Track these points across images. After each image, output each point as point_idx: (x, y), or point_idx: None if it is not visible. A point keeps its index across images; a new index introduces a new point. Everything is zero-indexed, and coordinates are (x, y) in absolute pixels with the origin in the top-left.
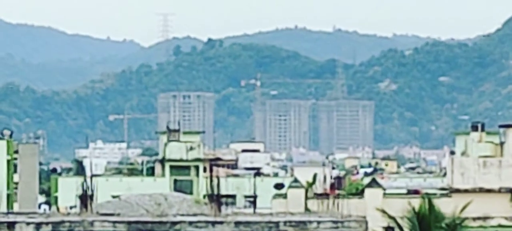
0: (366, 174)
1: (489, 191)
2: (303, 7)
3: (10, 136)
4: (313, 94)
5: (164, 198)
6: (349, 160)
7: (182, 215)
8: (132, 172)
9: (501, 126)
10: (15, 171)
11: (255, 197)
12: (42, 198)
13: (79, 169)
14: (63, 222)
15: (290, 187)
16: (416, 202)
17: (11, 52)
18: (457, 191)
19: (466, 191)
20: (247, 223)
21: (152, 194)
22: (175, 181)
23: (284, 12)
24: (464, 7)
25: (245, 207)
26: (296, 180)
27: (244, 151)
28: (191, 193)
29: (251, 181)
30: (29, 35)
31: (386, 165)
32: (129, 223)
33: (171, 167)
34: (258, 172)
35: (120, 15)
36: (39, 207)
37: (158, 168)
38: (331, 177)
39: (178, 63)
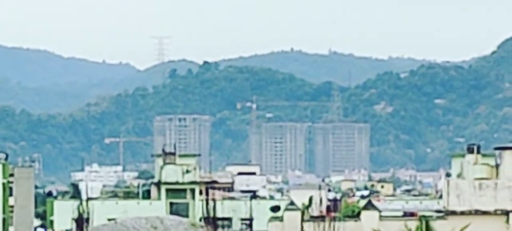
0: (362, 197)
1: (485, 213)
2: (299, 30)
3: (6, 159)
4: (309, 117)
5: (160, 221)
6: (345, 183)
7: None
8: (128, 195)
9: (496, 148)
10: (10, 195)
11: (251, 219)
12: (37, 222)
13: (75, 192)
14: None
15: (286, 209)
16: (412, 224)
17: (7, 76)
18: (453, 213)
19: (462, 213)
20: None
21: (148, 217)
22: (171, 204)
23: (279, 35)
24: (460, 29)
25: (241, 230)
26: (292, 203)
27: (240, 173)
28: (187, 216)
29: (247, 203)
30: (25, 58)
31: (382, 187)
32: None
33: (167, 190)
34: (254, 195)
35: (116, 39)
36: (35, 230)
37: (154, 191)
38: (327, 200)
39: (174, 86)
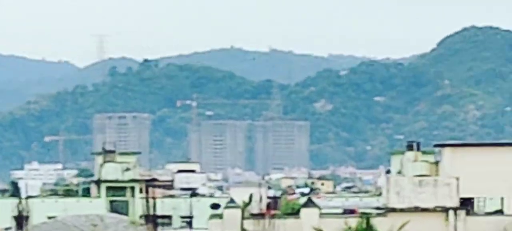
0: (302, 194)
1: (424, 210)
2: (239, 28)
3: None
4: (249, 115)
5: (100, 219)
6: (285, 180)
7: None
8: (68, 193)
9: (436, 145)
10: None
11: (191, 217)
12: None
13: (15, 191)
14: None
15: (226, 207)
16: (352, 222)
17: None
18: (393, 210)
19: (401, 210)
20: None
21: (88, 215)
22: (111, 202)
23: (219, 33)
24: (400, 27)
25: (181, 227)
26: (232, 200)
27: (180, 171)
28: (127, 214)
29: (187, 201)
30: None
31: (322, 184)
32: None
33: (107, 188)
34: (194, 193)
35: (55, 36)
36: None
37: (94, 189)
38: (267, 197)
39: (114, 84)
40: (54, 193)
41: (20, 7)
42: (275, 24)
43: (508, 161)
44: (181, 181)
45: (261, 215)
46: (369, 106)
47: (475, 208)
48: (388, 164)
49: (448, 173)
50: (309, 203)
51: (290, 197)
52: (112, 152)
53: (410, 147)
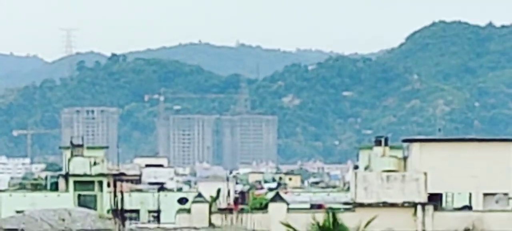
0: (270, 189)
1: (392, 205)
2: (207, 22)
3: None
4: (217, 109)
5: (68, 213)
6: (253, 175)
7: (86, 230)
8: (36, 187)
9: (404, 140)
10: None
11: (159, 211)
12: None
13: None
14: None
15: (194, 201)
16: (320, 217)
17: None
18: (361, 205)
19: (369, 205)
20: None
21: (56, 209)
22: (79, 196)
23: (187, 27)
24: (368, 22)
25: (149, 221)
26: (200, 195)
27: (148, 165)
28: (95, 208)
29: (155, 195)
30: None
31: (290, 179)
32: None
33: (75, 182)
34: (162, 187)
35: (23, 30)
36: None
37: (61, 183)
38: (235, 192)
39: (82, 78)
40: (22, 187)
41: None
42: (243, 19)
43: (476, 157)
44: (149, 175)
45: (229, 210)
46: (337, 101)
47: (443, 204)
48: (356, 159)
49: (416, 168)
50: (277, 198)
51: (257, 192)
52: (80, 146)
53: (378, 142)
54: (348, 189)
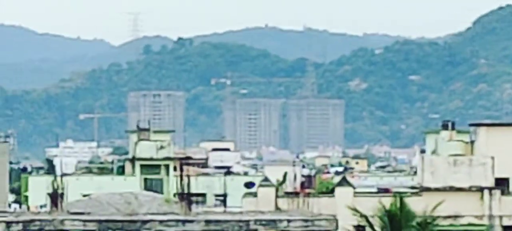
0: (336, 173)
1: (459, 189)
2: (274, 6)
3: None
4: (283, 93)
5: (134, 196)
6: (319, 159)
7: (152, 213)
8: (102, 171)
9: (471, 125)
10: None
11: (225, 195)
12: (12, 197)
13: (50, 168)
14: (33, 221)
15: (260, 185)
16: (386, 201)
17: None
18: (427, 189)
19: (436, 189)
20: (218, 222)
21: (122, 193)
22: (145, 179)
23: (254, 11)
24: (435, 6)
25: (215, 205)
26: (266, 179)
27: (214, 149)
28: (161, 191)
29: (221, 179)
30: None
31: (357, 163)
32: (99, 221)
33: (141, 166)
34: (228, 171)
35: (90, 14)
36: (9, 206)
37: (128, 167)
38: (301, 176)
39: (148, 62)
40: (89, 171)
41: None
42: (310, 3)
43: None
44: (215, 159)
45: (295, 194)
46: (404, 85)
47: (511, 188)
48: (422, 143)
49: (483, 152)
50: (343, 182)
51: (324, 176)
52: (147, 130)
53: (445, 126)
54: (415, 173)
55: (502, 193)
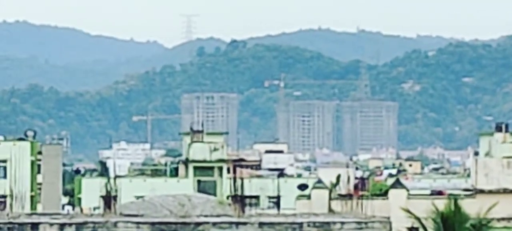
0: (390, 175)
1: None
2: (327, 8)
3: (34, 137)
4: (337, 95)
5: (187, 199)
6: (373, 161)
7: (206, 216)
8: (156, 173)
9: None
10: (38, 172)
11: (278, 197)
12: (65, 199)
13: (103, 170)
14: (86, 223)
15: (314, 188)
16: (440, 203)
17: (35, 54)
18: (481, 191)
19: (490, 191)
20: (271, 224)
21: (175, 195)
22: (199, 181)
23: (307, 13)
24: (488, 7)
25: (268, 208)
26: (320, 181)
27: (267, 151)
28: (214, 194)
29: (274, 182)
30: (53, 36)
31: (410, 165)
32: (152, 224)
33: (195, 168)
34: (281, 173)
35: (144, 16)
36: (63, 208)
37: (181, 169)
38: (355, 178)
39: (202, 64)
40: (142, 172)
41: None
42: (363, 5)
43: None
44: (268, 161)
45: (349, 196)
46: (458, 87)
47: None
48: (476, 145)
49: None
50: (397, 184)
51: (377, 178)
52: (200, 132)
53: (499, 128)
54: (469, 175)
55: None
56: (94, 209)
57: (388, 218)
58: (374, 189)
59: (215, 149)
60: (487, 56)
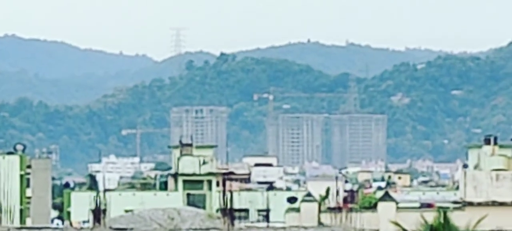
0: (379, 188)
1: (502, 204)
2: (316, 21)
3: (23, 150)
4: (326, 108)
5: (177, 212)
6: (362, 174)
7: (195, 229)
8: (145, 187)
9: None
10: (28, 186)
11: (268, 211)
12: (55, 213)
13: (92, 184)
14: None
15: (303, 200)
16: (429, 216)
17: (24, 67)
18: (470, 204)
19: (479, 204)
20: None
21: (165, 209)
22: (188, 195)
23: (296, 26)
24: (476, 20)
25: (258, 221)
26: (309, 194)
27: (257, 165)
28: (204, 207)
29: (264, 195)
30: (42, 50)
31: (399, 178)
32: None
33: (184, 181)
34: (271, 186)
35: (133, 30)
36: (52, 221)
37: (171, 182)
38: (344, 191)
39: (191, 77)
40: (132, 186)
41: (98, 2)
42: (352, 18)
43: None
44: (258, 174)
45: (338, 209)
46: (446, 100)
47: None
48: (465, 158)
49: None
50: (386, 197)
51: (367, 191)
52: (189, 145)
53: (487, 141)
54: (458, 188)
55: None
56: (84, 222)
57: (378, 230)
58: (363, 202)
59: (205, 162)
60: (476, 69)
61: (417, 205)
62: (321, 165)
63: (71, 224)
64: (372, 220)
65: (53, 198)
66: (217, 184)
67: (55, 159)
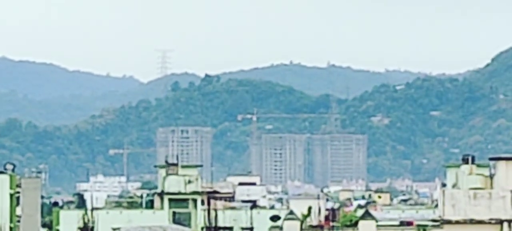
0: (359, 206)
1: (479, 222)
2: (298, 43)
3: (13, 170)
4: (308, 129)
5: (163, 230)
6: (343, 192)
7: None
8: (132, 205)
9: (491, 159)
10: (17, 204)
11: (251, 228)
12: None
13: (80, 202)
14: None
15: (286, 219)
16: None
17: (14, 89)
18: (448, 222)
19: (457, 222)
20: None
21: (151, 226)
22: (174, 213)
23: (279, 48)
24: (455, 42)
25: None
26: (291, 212)
27: (240, 184)
28: (189, 225)
29: (247, 213)
30: (32, 71)
31: (379, 197)
32: None
33: (170, 199)
34: (254, 205)
35: (120, 52)
36: None
37: (157, 200)
38: (325, 209)
39: (176, 98)
40: (119, 205)
41: (86, 24)
42: (333, 40)
43: None
44: (242, 193)
45: (320, 227)
46: (425, 120)
47: None
48: (443, 177)
49: (503, 186)
50: (367, 215)
51: (348, 209)
52: (175, 164)
53: (465, 160)
54: (436, 206)
55: None
56: None
57: None
58: (344, 220)
59: (190, 181)
60: (454, 90)
61: (397, 223)
62: (303, 184)
63: None
64: None
65: (43, 216)
66: (202, 203)
67: (44, 178)
